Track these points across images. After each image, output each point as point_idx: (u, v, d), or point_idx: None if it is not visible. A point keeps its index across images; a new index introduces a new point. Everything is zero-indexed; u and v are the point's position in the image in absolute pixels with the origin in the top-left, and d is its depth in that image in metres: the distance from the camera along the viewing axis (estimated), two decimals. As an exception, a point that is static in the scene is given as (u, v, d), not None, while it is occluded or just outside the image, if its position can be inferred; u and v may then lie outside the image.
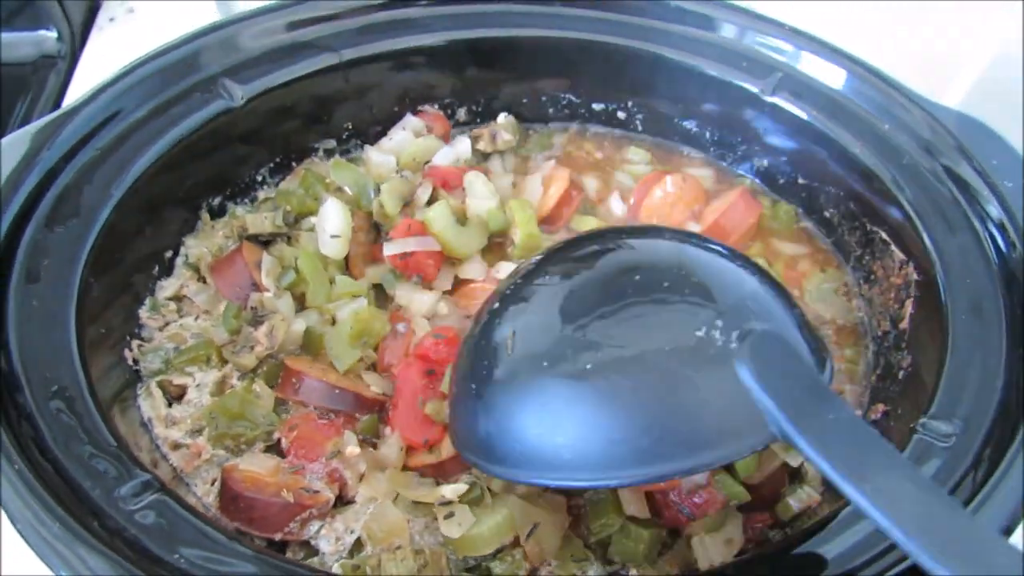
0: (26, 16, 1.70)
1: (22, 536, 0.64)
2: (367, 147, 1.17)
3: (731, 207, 1.11)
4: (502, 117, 1.22)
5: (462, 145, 1.17)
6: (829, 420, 0.63)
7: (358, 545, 0.81)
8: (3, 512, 0.96)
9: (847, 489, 0.58)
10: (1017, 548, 0.56)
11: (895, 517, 0.56)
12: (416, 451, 0.89)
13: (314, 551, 0.81)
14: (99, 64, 1.68)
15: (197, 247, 1.02)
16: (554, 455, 0.67)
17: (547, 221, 1.14)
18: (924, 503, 0.57)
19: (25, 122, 1.65)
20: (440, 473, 0.87)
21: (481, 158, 1.21)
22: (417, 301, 1.00)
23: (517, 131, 1.22)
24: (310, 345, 0.95)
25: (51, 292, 0.82)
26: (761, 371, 0.65)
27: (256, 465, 0.83)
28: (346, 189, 1.08)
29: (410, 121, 1.18)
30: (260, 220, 1.03)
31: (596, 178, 1.21)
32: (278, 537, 0.80)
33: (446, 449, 0.86)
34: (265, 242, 1.04)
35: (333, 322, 0.97)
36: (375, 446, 0.89)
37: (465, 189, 1.09)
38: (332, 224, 1.00)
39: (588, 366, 0.67)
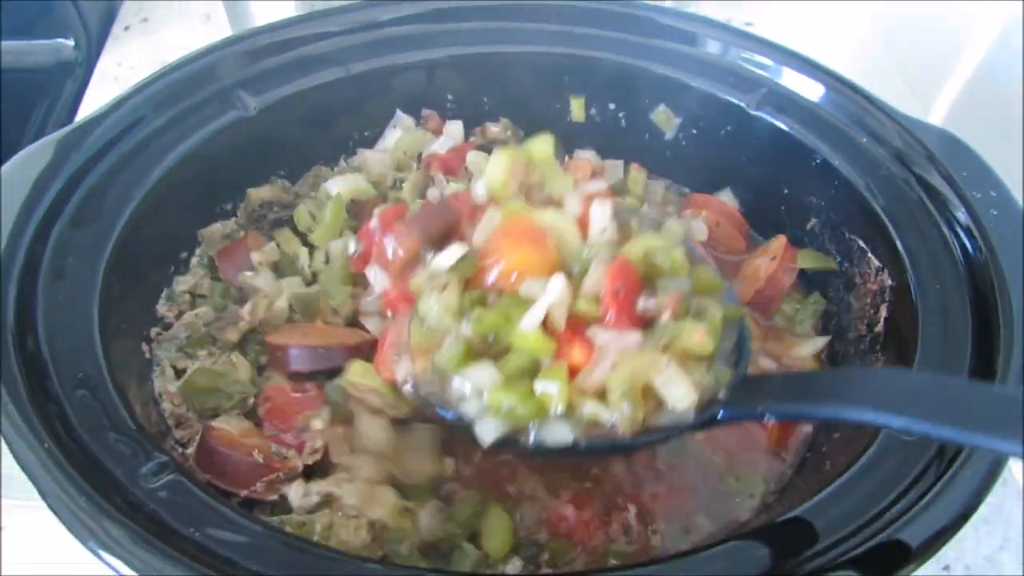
0: (44, 25, 1.77)
1: (52, 509, 0.69)
2: (360, 150, 1.22)
3: (774, 277, 1.13)
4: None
5: (454, 128, 1.21)
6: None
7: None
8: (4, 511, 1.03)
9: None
10: None
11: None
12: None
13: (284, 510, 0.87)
14: (114, 71, 1.75)
15: (210, 235, 1.10)
16: None
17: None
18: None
19: (43, 125, 1.73)
20: None
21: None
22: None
23: (509, 127, 1.26)
24: (307, 308, 1.00)
25: (75, 288, 0.88)
26: None
27: (230, 425, 0.90)
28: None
29: (400, 119, 1.23)
30: (264, 190, 1.10)
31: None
32: (243, 494, 0.86)
33: None
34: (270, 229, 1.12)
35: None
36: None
37: (469, 168, 1.13)
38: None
39: None
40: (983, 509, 1.13)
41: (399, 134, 1.22)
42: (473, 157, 1.13)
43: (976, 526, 1.11)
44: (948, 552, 1.09)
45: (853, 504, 0.78)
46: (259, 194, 1.11)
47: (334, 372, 0.95)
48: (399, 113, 1.24)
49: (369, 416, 0.93)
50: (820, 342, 1.11)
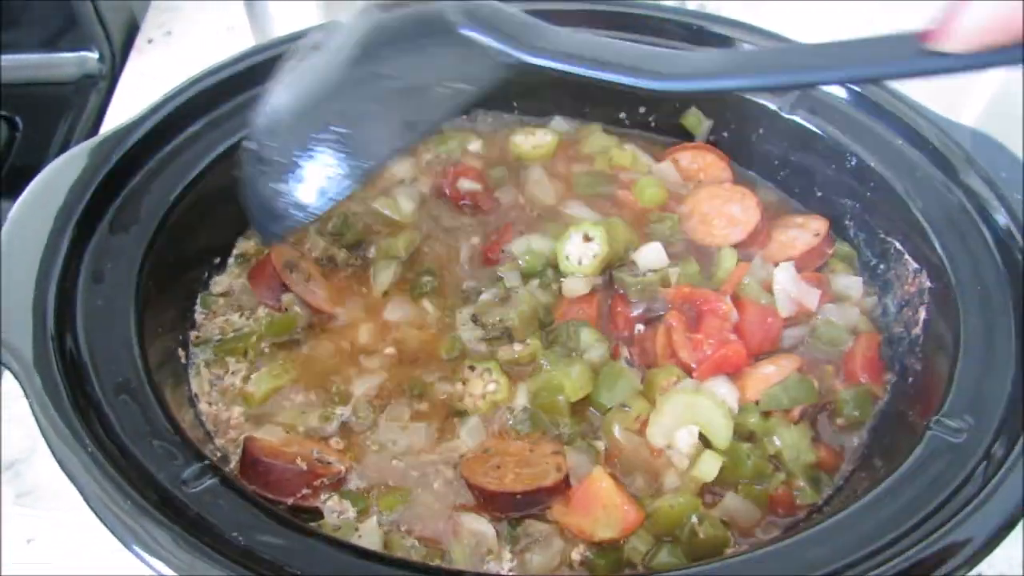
0: (68, 38, 1.78)
1: (95, 513, 0.69)
2: None
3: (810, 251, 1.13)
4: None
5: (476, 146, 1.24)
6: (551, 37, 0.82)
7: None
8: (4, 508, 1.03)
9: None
10: None
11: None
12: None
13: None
14: (138, 83, 1.76)
15: (246, 245, 1.10)
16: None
17: None
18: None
19: (68, 138, 1.74)
20: None
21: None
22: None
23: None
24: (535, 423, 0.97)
25: (114, 292, 0.88)
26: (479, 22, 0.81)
27: (269, 435, 0.91)
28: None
29: None
30: (319, 246, 1.11)
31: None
32: (290, 501, 0.86)
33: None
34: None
35: None
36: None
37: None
38: None
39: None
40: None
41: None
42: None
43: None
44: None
45: (899, 508, 0.77)
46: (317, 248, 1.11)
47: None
48: None
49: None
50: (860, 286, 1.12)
